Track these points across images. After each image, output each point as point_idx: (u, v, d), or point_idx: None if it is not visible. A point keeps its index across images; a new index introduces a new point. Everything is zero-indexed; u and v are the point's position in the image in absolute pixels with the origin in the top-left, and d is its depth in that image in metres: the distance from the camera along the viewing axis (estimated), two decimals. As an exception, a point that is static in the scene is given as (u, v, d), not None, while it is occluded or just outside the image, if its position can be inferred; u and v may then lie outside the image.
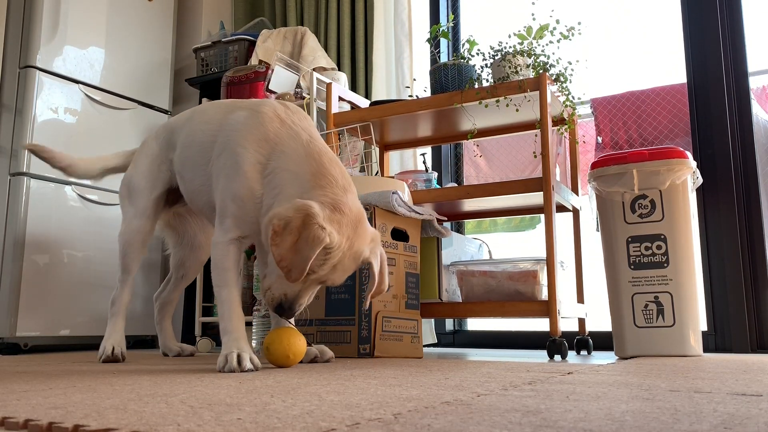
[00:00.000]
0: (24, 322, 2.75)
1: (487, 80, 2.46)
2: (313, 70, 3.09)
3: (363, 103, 2.97)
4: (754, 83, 2.79)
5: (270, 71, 2.99)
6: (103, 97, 3.19)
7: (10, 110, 2.91)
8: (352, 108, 2.90)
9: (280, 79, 2.93)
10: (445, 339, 3.27)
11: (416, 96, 2.62)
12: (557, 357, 2.12)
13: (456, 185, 2.76)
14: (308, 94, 2.86)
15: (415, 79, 3.29)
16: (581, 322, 2.55)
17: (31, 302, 2.78)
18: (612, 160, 2.30)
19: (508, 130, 2.76)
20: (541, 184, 2.24)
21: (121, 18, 3.31)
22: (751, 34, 2.77)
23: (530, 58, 2.36)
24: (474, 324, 3.32)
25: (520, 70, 2.35)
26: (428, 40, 2.75)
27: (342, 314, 2.06)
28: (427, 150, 3.23)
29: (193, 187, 1.88)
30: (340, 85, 3.05)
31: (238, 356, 1.50)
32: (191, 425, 0.70)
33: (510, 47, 2.39)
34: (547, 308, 2.14)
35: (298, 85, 3.01)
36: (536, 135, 2.48)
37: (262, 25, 3.82)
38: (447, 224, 2.75)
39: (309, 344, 1.80)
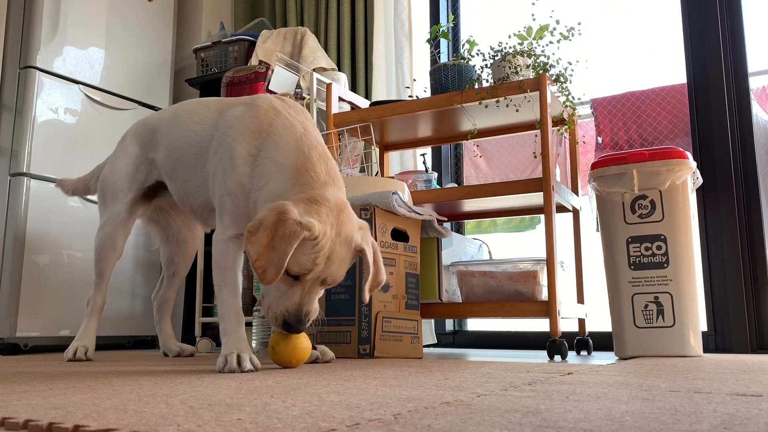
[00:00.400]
0: (24, 322, 2.75)
1: (487, 80, 2.46)
2: (313, 70, 3.09)
3: (363, 103, 2.97)
4: (754, 83, 2.79)
5: (270, 71, 2.99)
6: (103, 98, 3.19)
7: (10, 110, 2.91)
8: (352, 108, 2.90)
9: (280, 79, 2.93)
10: (445, 339, 3.27)
11: (416, 96, 2.62)
12: (557, 357, 2.12)
13: (456, 185, 2.77)
14: (308, 95, 2.86)
15: (415, 80, 3.30)
16: (581, 322, 2.55)
17: (31, 302, 2.78)
18: (612, 161, 2.30)
19: (508, 131, 2.76)
20: (541, 184, 2.24)
21: (121, 18, 3.32)
22: (751, 34, 2.77)
23: (530, 58, 2.36)
24: (474, 324, 3.32)
25: (520, 70, 2.35)
26: (428, 41, 2.75)
27: (342, 314, 2.06)
28: (427, 150, 3.23)
29: (187, 189, 1.87)
30: (340, 85, 3.05)
31: (238, 357, 1.50)
32: (191, 425, 0.70)
33: (510, 47, 2.39)
34: (547, 308, 2.14)
35: (298, 86, 3.01)
36: (536, 135, 2.48)
37: (262, 26, 3.82)
38: (447, 224, 2.75)
39: (313, 347, 1.79)
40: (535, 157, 2.36)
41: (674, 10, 2.94)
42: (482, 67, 2.46)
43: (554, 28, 2.34)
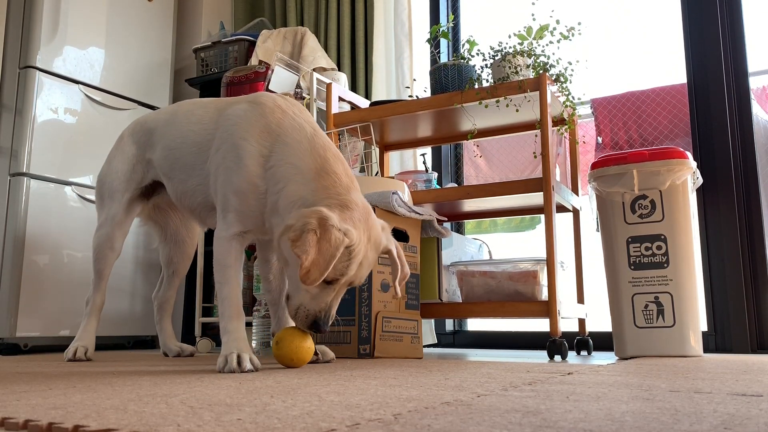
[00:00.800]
0: (24, 322, 2.75)
1: (487, 80, 2.46)
2: (313, 70, 3.09)
3: (363, 103, 2.97)
4: (754, 83, 2.79)
5: (270, 71, 2.99)
6: (103, 98, 3.19)
7: (10, 110, 2.91)
8: (352, 108, 2.90)
9: (280, 79, 2.93)
10: (445, 339, 3.27)
11: (416, 96, 2.62)
12: (557, 357, 2.12)
13: (456, 185, 2.76)
14: (308, 95, 2.86)
15: (415, 80, 3.30)
16: (581, 322, 2.54)
17: (31, 302, 2.78)
18: (612, 161, 2.30)
19: (508, 131, 2.76)
20: (541, 184, 2.24)
21: (121, 18, 3.32)
22: (751, 34, 2.77)
23: (530, 58, 2.36)
24: (474, 324, 3.32)
25: (520, 70, 2.35)
26: (428, 41, 2.75)
27: (342, 314, 2.06)
28: (427, 150, 3.23)
29: (185, 188, 1.87)
30: (340, 85, 3.05)
31: (238, 357, 1.50)
32: (191, 425, 0.70)
33: (510, 47, 2.39)
34: (547, 308, 2.14)
35: (298, 86, 3.01)
36: (536, 135, 2.48)
37: (262, 26, 3.82)
38: (447, 224, 2.75)
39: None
40: (535, 157, 2.36)
41: (674, 10, 2.94)
42: (482, 67, 2.46)
43: (554, 28, 2.34)
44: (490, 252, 2.89)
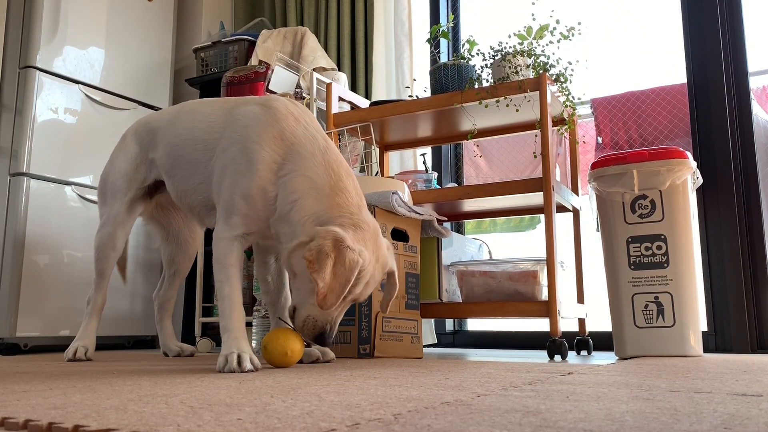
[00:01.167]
0: (24, 322, 2.75)
1: (487, 80, 2.46)
2: (313, 70, 3.09)
3: (363, 103, 2.97)
4: (754, 83, 2.79)
5: (270, 71, 2.99)
6: (103, 98, 3.19)
7: (10, 110, 2.91)
8: (352, 108, 2.90)
9: (280, 79, 2.93)
10: (445, 339, 3.27)
11: (416, 96, 2.62)
12: (557, 357, 2.12)
13: (456, 185, 2.76)
14: (308, 94, 2.86)
15: (415, 80, 3.30)
16: (581, 322, 2.55)
17: (31, 302, 2.78)
18: (612, 161, 2.30)
19: (508, 131, 2.76)
20: (541, 184, 2.24)
21: (121, 18, 3.32)
22: (751, 34, 2.77)
23: (530, 58, 2.36)
24: (474, 324, 3.32)
25: (520, 70, 2.35)
26: (428, 40, 2.75)
27: (342, 314, 2.06)
28: (427, 150, 3.23)
29: (187, 186, 1.86)
30: (340, 85, 3.05)
31: (238, 356, 1.50)
32: (191, 425, 0.70)
33: (510, 47, 2.39)
34: (547, 308, 2.14)
35: (298, 85, 3.01)
36: (536, 135, 2.48)
37: (262, 26, 3.82)
38: (447, 224, 2.75)
39: (308, 345, 1.80)
40: (535, 157, 2.36)
41: (674, 10, 2.94)
42: (482, 67, 2.46)
43: (554, 28, 2.34)
44: (490, 252, 2.89)
